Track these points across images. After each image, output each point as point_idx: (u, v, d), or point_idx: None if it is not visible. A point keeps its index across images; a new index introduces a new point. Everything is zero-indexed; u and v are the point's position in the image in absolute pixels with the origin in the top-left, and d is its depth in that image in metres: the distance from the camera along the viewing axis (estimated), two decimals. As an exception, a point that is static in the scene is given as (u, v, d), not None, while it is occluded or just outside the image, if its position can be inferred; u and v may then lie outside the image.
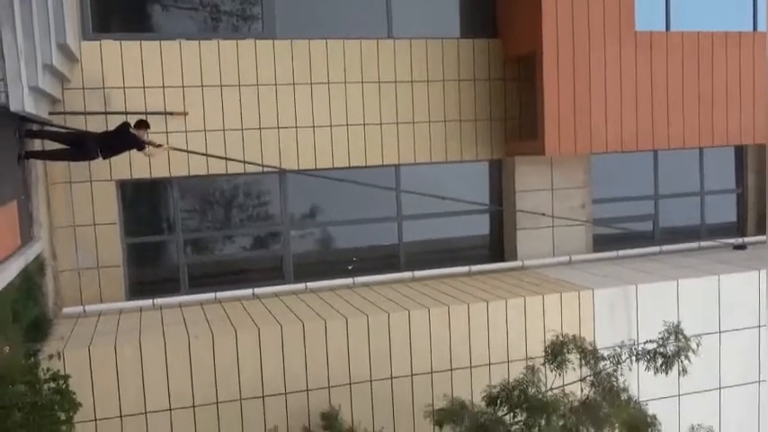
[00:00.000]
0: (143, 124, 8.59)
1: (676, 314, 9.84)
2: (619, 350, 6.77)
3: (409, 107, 10.82)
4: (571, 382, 6.72)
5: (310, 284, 10.32)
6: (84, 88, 9.45)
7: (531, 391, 6.24)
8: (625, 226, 11.98)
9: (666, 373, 6.65)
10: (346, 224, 11.06)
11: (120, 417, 7.95)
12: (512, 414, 6.28)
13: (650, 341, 6.72)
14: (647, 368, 6.63)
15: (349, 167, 10.63)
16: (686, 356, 6.52)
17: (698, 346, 6.72)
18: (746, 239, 12.45)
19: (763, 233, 12.70)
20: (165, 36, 9.84)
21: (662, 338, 6.67)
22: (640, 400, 9.15)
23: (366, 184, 10.39)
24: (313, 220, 10.98)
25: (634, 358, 6.67)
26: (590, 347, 6.68)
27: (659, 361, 6.56)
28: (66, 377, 6.35)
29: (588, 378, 6.52)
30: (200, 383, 8.20)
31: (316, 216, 10.99)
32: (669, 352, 6.52)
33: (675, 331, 6.60)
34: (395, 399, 8.85)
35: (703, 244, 12.22)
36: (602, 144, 10.65)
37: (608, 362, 6.57)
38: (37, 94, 7.92)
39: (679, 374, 6.59)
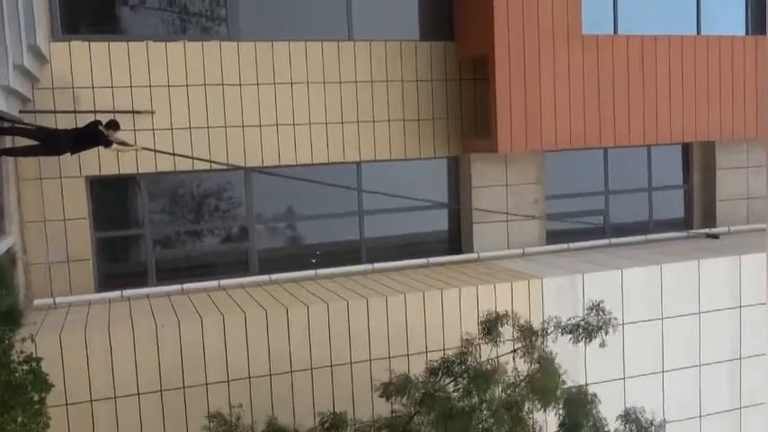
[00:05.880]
0: (113, 124, 8.96)
1: (621, 301, 10.46)
2: (546, 324, 7.33)
3: (369, 106, 11.29)
4: (504, 354, 7.28)
5: (274, 276, 10.75)
6: (53, 88, 9.77)
7: (470, 360, 6.80)
8: (579, 221, 12.56)
9: (587, 343, 7.22)
10: (309, 219, 11.52)
11: (91, 401, 8.33)
12: (455, 383, 6.84)
13: (574, 317, 7.30)
14: (571, 339, 7.21)
15: (312, 164, 11.08)
16: (606, 330, 7.10)
17: (616, 320, 7.33)
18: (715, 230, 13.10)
19: (709, 226, 13.40)
20: (132, 37, 10.21)
21: (585, 314, 7.25)
22: (588, 383, 9.79)
23: (328, 183, 10.89)
24: (277, 216, 11.41)
25: (560, 331, 7.22)
26: (523, 322, 7.24)
27: (582, 334, 7.12)
28: (38, 359, 6.69)
29: (519, 350, 7.07)
30: (168, 369, 8.60)
31: (280, 211, 11.43)
32: (591, 326, 7.09)
33: (596, 307, 7.19)
34: (354, 383, 9.31)
35: (659, 236, 12.85)
36: (551, 142, 11.23)
37: (538, 333, 7.13)
38: (8, 94, 8.26)
39: (601, 346, 7.17)
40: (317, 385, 9.15)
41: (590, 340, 7.12)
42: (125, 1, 10.57)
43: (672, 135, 12.06)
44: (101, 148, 9.20)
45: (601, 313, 7.15)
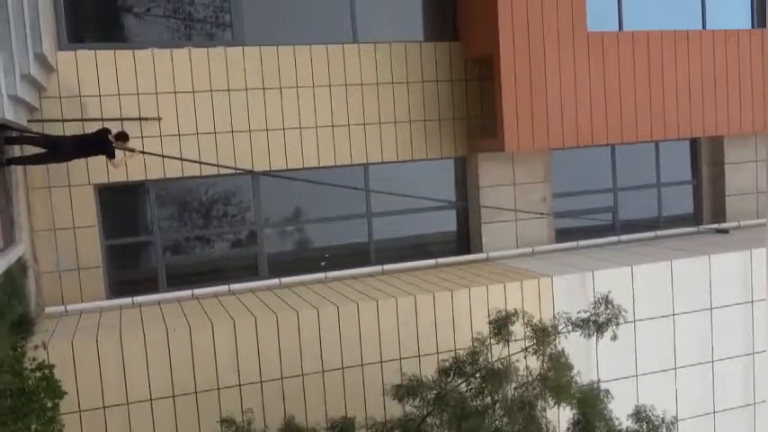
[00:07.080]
0: (122, 136, 8.95)
1: (631, 298, 10.42)
2: (556, 321, 7.32)
3: (375, 108, 11.30)
4: (516, 353, 7.26)
5: (284, 280, 10.77)
6: (60, 97, 9.81)
7: (481, 360, 6.78)
8: (588, 218, 12.52)
9: (599, 337, 7.20)
10: (318, 222, 11.53)
11: (103, 407, 8.35)
12: (467, 383, 6.82)
13: (583, 311, 7.29)
14: (581, 334, 7.18)
15: (319, 167, 11.09)
16: (616, 323, 7.09)
17: (626, 313, 7.31)
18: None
19: (718, 221, 13.33)
20: (137, 45, 10.25)
21: (594, 308, 7.24)
22: (600, 380, 9.74)
23: (335, 185, 10.89)
24: (285, 219, 11.42)
25: (570, 327, 7.20)
26: (536, 321, 7.22)
27: (592, 328, 7.10)
28: (51, 366, 6.73)
29: (531, 348, 7.05)
30: (180, 375, 8.61)
31: (288, 215, 11.44)
32: (601, 319, 7.07)
33: (606, 301, 7.17)
34: (366, 385, 9.30)
35: (668, 232, 12.79)
36: (558, 140, 11.20)
37: (549, 330, 7.11)
38: (16, 103, 8.29)
39: (613, 339, 7.16)
40: (329, 388, 9.15)
41: (601, 334, 7.10)
42: (130, 9, 10.62)
43: (679, 130, 12.02)
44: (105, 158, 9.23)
45: (610, 306, 7.13)
